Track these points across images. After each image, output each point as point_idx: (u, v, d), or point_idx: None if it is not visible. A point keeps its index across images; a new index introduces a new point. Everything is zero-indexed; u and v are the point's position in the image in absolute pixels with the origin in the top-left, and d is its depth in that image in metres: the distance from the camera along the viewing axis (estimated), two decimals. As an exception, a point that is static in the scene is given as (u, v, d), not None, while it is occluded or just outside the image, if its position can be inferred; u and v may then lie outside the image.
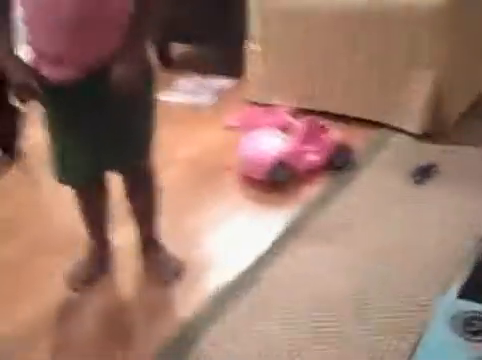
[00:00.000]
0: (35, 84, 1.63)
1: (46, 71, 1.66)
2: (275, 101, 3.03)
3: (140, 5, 1.63)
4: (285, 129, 2.64)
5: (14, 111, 2.83)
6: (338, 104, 2.87)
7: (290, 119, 2.71)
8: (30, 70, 1.66)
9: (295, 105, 2.96)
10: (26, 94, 1.67)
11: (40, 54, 1.67)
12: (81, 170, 1.83)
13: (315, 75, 2.91)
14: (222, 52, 3.48)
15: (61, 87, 1.66)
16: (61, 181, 1.86)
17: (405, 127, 2.71)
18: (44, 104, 1.75)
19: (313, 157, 2.51)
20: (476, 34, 2.85)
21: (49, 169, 1.85)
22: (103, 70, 1.61)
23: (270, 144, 2.50)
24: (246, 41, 3.08)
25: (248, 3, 3.01)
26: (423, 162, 2.43)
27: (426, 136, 2.67)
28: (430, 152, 2.56)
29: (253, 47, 3.07)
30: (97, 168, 1.84)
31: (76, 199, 1.96)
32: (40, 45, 1.65)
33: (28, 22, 1.64)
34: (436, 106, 2.66)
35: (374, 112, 2.78)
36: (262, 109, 2.99)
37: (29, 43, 1.68)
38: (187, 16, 3.43)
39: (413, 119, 2.68)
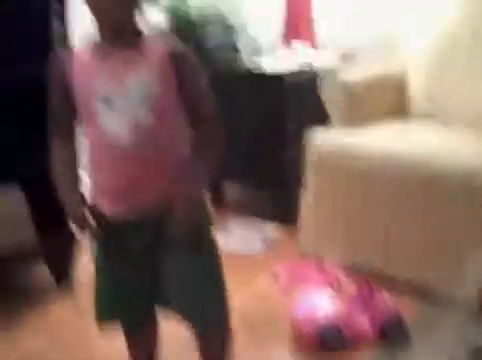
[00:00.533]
0: (90, 220, 1.66)
1: (104, 207, 1.69)
2: (326, 254, 3.02)
3: (203, 144, 1.67)
4: (335, 287, 2.62)
5: (70, 238, 2.86)
6: (393, 266, 2.84)
7: (342, 277, 2.69)
8: (86, 206, 1.69)
9: (347, 261, 2.95)
10: (81, 228, 1.69)
11: (99, 188, 1.70)
12: (129, 309, 1.81)
13: (370, 233, 2.91)
14: (275, 198, 3.52)
15: (117, 223, 1.68)
16: (102, 321, 1.82)
17: (462, 301, 2.66)
18: (98, 238, 1.76)
19: (365, 325, 2.47)
20: None
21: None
22: (162, 210, 1.64)
23: (323, 307, 2.48)
24: (301, 190, 3.12)
25: (305, 152, 3.07)
26: (479, 342, 2.37)
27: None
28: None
29: (307, 197, 3.10)
30: (148, 307, 1.82)
31: (125, 340, 1.93)
32: (99, 179, 1.69)
33: (89, 154, 1.69)
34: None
35: (430, 280, 2.75)
36: (312, 262, 2.98)
37: (89, 176, 1.72)
38: (242, 157, 3.51)
39: (471, 293, 2.63)
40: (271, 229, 3.44)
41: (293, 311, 2.53)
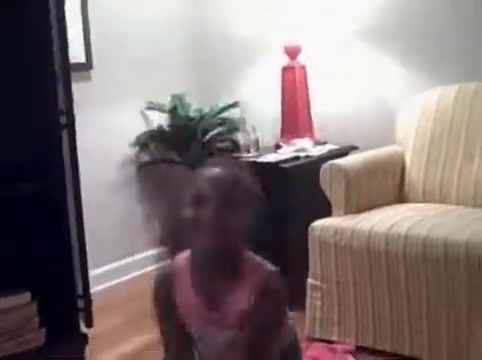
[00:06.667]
0: None
1: None
2: (335, 337, 2.98)
3: None
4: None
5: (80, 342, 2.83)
6: (403, 346, 2.81)
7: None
8: None
9: (356, 342, 2.91)
10: None
11: None
12: None
13: (377, 314, 2.89)
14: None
15: None
16: None
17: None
18: None
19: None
20: None
21: None
22: None
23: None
24: (306, 275, 3.10)
25: (308, 238, 3.08)
26: None
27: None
28: None
29: (312, 281, 3.08)
30: None
31: None
32: None
33: None
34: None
35: (442, 357, 2.70)
36: (322, 345, 2.93)
37: None
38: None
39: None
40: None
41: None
